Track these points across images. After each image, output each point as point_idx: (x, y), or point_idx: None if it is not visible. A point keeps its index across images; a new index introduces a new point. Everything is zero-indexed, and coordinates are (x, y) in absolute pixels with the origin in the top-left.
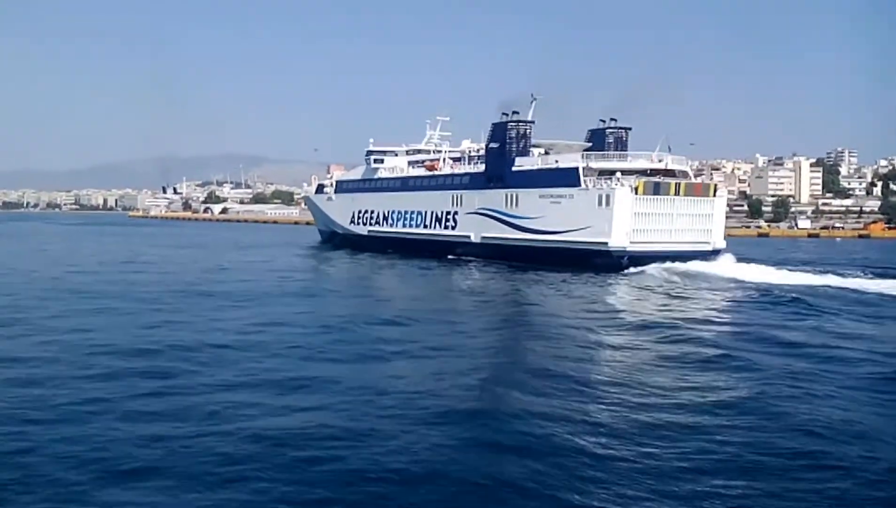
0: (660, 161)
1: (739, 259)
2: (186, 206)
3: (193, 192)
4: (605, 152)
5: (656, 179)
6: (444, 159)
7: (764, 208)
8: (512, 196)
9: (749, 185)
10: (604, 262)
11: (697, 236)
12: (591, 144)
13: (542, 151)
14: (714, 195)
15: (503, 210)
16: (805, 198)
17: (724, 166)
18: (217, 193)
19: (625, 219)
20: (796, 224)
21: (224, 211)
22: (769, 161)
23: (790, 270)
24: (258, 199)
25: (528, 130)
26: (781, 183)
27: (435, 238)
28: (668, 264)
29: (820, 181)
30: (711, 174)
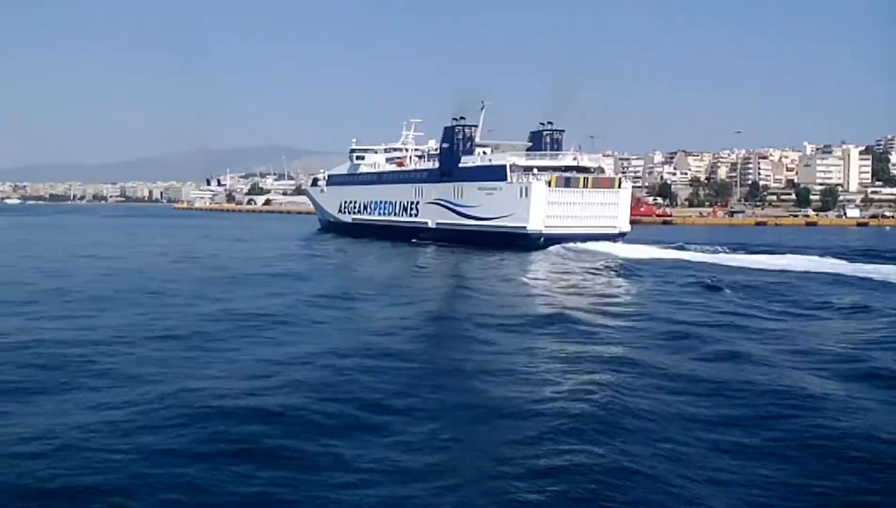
0: (573, 159)
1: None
2: (230, 198)
3: (237, 184)
4: (534, 152)
5: (568, 174)
6: (410, 157)
7: (812, 197)
8: (458, 189)
9: (797, 173)
10: (524, 243)
11: (604, 222)
12: (531, 144)
13: (489, 149)
14: (619, 188)
15: (452, 200)
16: (854, 186)
17: (771, 155)
18: (260, 184)
19: (540, 207)
20: (845, 213)
21: (267, 203)
22: (817, 149)
23: (662, 247)
24: (301, 190)
25: (472, 133)
26: (830, 171)
27: (402, 224)
28: (569, 244)
29: (869, 169)
30: (759, 163)
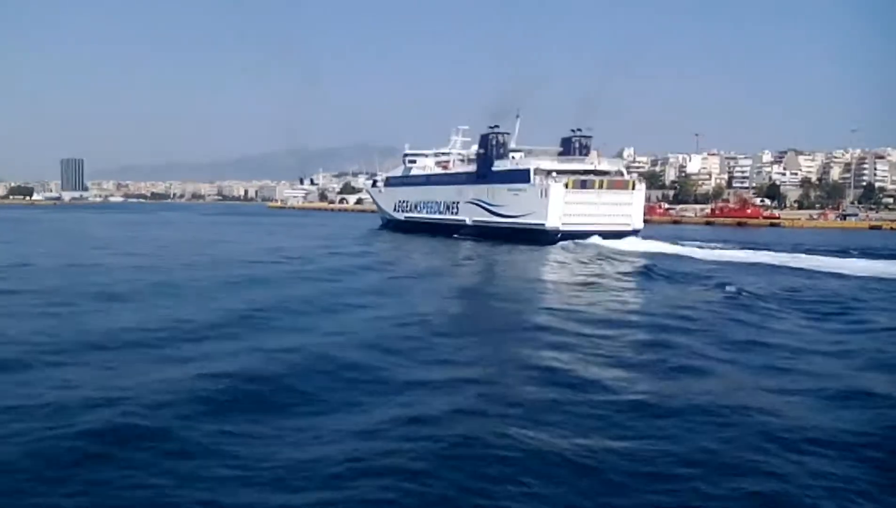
0: (591, 163)
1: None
2: (322, 197)
3: (329, 183)
4: (558, 157)
5: (584, 177)
6: (453, 161)
7: None
8: (491, 190)
9: None
10: (544, 238)
11: (619, 219)
12: (562, 149)
13: (523, 154)
14: (633, 189)
15: (486, 200)
16: None
17: (889, 155)
18: (352, 183)
19: (557, 206)
20: None
21: (359, 202)
22: None
23: (661, 243)
24: None
25: (505, 139)
26: None
27: (445, 222)
28: (577, 240)
29: None
30: (875, 163)
